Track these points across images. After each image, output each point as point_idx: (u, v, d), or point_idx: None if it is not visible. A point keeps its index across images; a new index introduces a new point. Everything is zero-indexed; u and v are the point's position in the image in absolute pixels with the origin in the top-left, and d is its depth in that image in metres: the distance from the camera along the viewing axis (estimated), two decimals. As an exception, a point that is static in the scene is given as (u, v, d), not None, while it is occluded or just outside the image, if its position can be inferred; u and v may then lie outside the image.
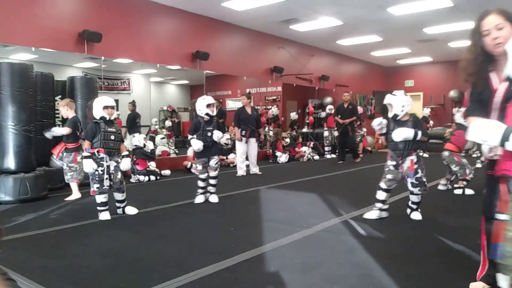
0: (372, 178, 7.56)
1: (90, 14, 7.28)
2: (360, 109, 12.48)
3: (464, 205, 5.00)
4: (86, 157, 4.27)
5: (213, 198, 5.22)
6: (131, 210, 4.56)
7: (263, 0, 8.18)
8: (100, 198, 4.32)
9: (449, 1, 8.18)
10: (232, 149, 9.14)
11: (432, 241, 3.51)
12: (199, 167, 5.14)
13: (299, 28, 10.50)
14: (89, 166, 4.23)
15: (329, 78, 13.22)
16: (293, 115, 12.66)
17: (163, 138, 9.58)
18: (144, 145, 7.51)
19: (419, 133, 3.93)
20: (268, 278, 2.69)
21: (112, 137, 4.38)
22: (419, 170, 4.03)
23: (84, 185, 5.54)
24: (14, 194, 5.20)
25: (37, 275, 2.75)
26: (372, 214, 4.25)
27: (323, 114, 12.69)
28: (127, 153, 4.57)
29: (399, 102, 4.03)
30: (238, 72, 10.74)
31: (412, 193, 4.16)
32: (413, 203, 4.22)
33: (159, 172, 7.55)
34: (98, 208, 4.34)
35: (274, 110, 11.97)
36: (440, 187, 5.93)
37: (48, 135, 5.45)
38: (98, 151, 4.30)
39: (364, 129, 12.97)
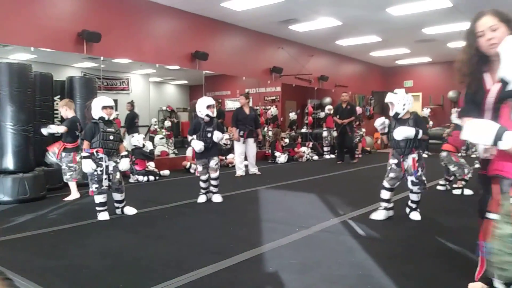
0: (371, 178, 7.58)
1: (89, 14, 7.28)
2: (358, 109, 12.49)
3: (463, 205, 5.01)
4: (85, 157, 4.27)
5: (217, 198, 5.23)
6: (130, 211, 4.56)
7: (262, 0, 8.18)
8: (99, 199, 4.31)
9: (448, 1, 8.19)
10: (231, 149, 9.14)
11: (431, 242, 3.51)
12: (200, 168, 5.14)
13: (298, 28, 10.50)
14: (88, 166, 4.22)
15: (328, 78, 13.23)
16: (292, 115, 12.66)
17: (162, 138, 9.58)
18: (143, 145, 7.50)
19: (420, 132, 3.94)
20: (267, 278, 2.69)
21: (111, 137, 4.37)
22: (419, 169, 4.04)
23: (83, 185, 5.53)
24: (13, 194, 5.19)
25: (36, 275, 2.74)
26: (379, 214, 4.24)
27: (322, 114, 12.70)
28: (126, 153, 4.56)
29: (401, 101, 4.03)
30: (237, 72, 10.74)
31: (411, 191, 4.17)
32: (412, 202, 4.23)
33: (158, 172, 7.55)
34: (97, 208, 4.33)
35: (273, 110, 11.97)
36: (439, 188, 5.94)
37: (44, 131, 5.45)
38: (97, 151, 4.29)
39: (363, 130, 12.98)
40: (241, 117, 7.82)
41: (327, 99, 13.56)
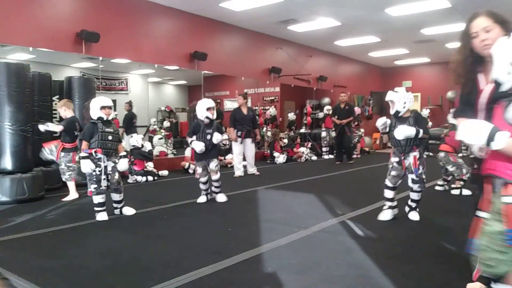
0: (369, 179, 7.59)
1: (88, 14, 7.27)
2: (357, 110, 12.50)
3: (461, 205, 5.02)
4: (83, 157, 4.26)
5: (221, 198, 5.26)
6: (128, 211, 4.55)
7: (261, 0, 8.18)
8: (98, 199, 4.31)
9: (447, 2, 8.20)
10: (229, 150, 9.14)
11: (430, 242, 3.51)
12: (199, 170, 5.14)
13: (297, 29, 10.51)
14: (86, 166, 4.22)
15: (327, 78, 13.24)
16: (291, 116, 12.67)
17: (161, 138, 9.57)
18: (142, 146, 7.50)
19: (421, 131, 3.96)
20: (266, 279, 2.69)
21: (110, 138, 4.37)
22: (420, 167, 4.05)
23: (81, 185, 5.53)
24: (11, 195, 5.18)
25: (34, 275, 2.74)
26: (385, 215, 4.24)
27: (321, 115, 12.70)
28: (124, 153, 4.56)
29: (401, 99, 4.03)
30: (236, 73, 10.75)
31: (412, 190, 4.17)
32: (412, 201, 4.23)
33: (156, 172, 7.54)
34: (96, 208, 4.33)
35: (272, 111, 11.97)
36: (437, 188, 5.95)
37: (41, 127, 5.44)
38: (95, 152, 4.29)
39: (362, 130, 12.99)
40: (238, 117, 7.81)
41: (326, 100, 13.57)
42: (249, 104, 8.55)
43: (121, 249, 3.36)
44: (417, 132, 3.92)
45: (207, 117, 5.07)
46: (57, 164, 5.64)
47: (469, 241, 1.95)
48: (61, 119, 5.68)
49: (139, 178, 7.12)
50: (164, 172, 7.84)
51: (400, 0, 8.25)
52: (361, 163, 10.18)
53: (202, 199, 5.22)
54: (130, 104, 9.22)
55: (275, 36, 11.39)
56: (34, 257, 3.18)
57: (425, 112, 13.43)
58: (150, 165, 7.60)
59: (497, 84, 1.73)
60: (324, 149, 11.80)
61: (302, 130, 12.99)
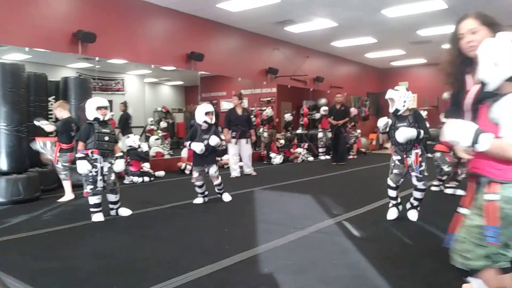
0: (366, 179, 7.61)
1: (84, 14, 7.25)
2: (353, 110, 12.52)
3: (456, 206, 5.02)
4: (80, 158, 4.24)
5: (226, 197, 5.32)
6: (124, 212, 4.54)
7: (258, 1, 8.18)
8: (93, 200, 4.29)
9: (443, 3, 8.23)
10: (226, 150, 9.13)
11: (426, 242, 3.52)
12: (195, 174, 5.13)
13: (294, 30, 10.51)
14: (83, 167, 4.20)
15: (323, 79, 13.25)
16: (288, 116, 12.68)
17: (158, 139, 9.55)
18: (139, 146, 7.48)
19: (422, 132, 3.98)
20: (262, 279, 2.69)
21: (106, 138, 4.36)
22: (423, 164, 4.06)
23: (77, 186, 5.51)
24: (6, 195, 5.15)
25: (29, 276, 2.73)
26: (391, 214, 4.26)
27: (317, 116, 12.71)
28: (121, 154, 4.54)
29: (401, 97, 4.04)
30: (233, 73, 10.74)
31: (416, 188, 4.17)
32: (415, 199, 4.23)
33: (153, 173, 7.53)
34: (91, 209, 4.31)
35: (268, 111, 11.96)
36: (433, 188, 5.96)
37: (36, 122, 5.43)
38: (92, 152, 4.27)
39: (358, 131, 13.01)
40: (233, 118, 7.80)
41: (323, 100, 13.58)
42: (245, 105, 8.54)
43: (117, 250, 3.35)
44: (418, 134, 3.95)
45: (205, 122, 5.06)
46: (53, 165, 5.62)
47: (448, 236, 1.98)
48: (57, 120, 5.66)
49: (135, 179, 7.10)
50: (161, 173, 7.83)
51: (397, 1, 8.27)
52: (358, 163, 10.19)
53: (198, 200, 5.22)
54: (125, 104, 9.18)
55: (272, 37, 11.39)
56: (29, 258, 3.16)
57: (423, 114, 13.47)
58: (146, 166, 7.58)
59: (483, 85, 1.75)
60: (320, 150, 11.80)
61: (299, 131, 12.99)
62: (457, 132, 1.65)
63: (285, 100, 12.97)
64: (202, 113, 5.07)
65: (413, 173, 4.10)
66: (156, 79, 11.19)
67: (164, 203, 5.20)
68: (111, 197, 4.45)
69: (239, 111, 7.85)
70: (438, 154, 5.71)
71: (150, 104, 10.84)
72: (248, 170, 8.04)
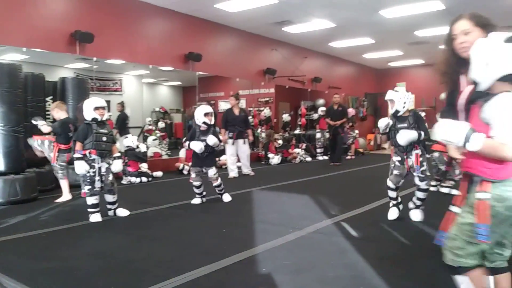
0: (364, 180, 7.62)
1: (82, 14, 7.24)
2: (351, 111, 12.53)
3: (454, 206, 5.03)
4: (77, 158, 4.23)
5: (226, 198, 5.33)
6: (122, 212, 4.53)
7: (256, 1, 8.19)
8: (91, 200, 4.28)
9: (441, 4, 8.26)
10: (224, 151, 9.12)
11: (424, 242, 3.52)
12: (193, 175, 5.13)
13: (292, 30, 10.52)
14: (81, 167, 4.19)
15: (321, 80, 13.27)
16: (286, 117, 12.68)
17: (156, 139, 9.53)
18: (137, 147, 7.47)
19: (422, 133, 4.00)
20: (260, 280, 2.69)
21: (104, 139, 4.35)
22: (424, 164, 4.07)
23: (74, 186, 5.50)
24: (4, 196, 5.14)
25: (27, 277, 2.72)
26: (392, 214, 4.26)
27: (315, 116, 12.73)
28: (118, 154, 4.54)
29: (401, 98, 4.06)
30: (231, 74, 10.74)
31: (419, 188, 4.17)
32: (418, 199, 4.22)
33: (150, 173, 7.52)
34: (89, 210, 4.30)
35: (266, 112, 11.97)
36: (431, 189, 5.96)
37: (34, 121, 5.42)
38: (89, 153, 4.26)
39: (356, 131, 13.02)
40: (230, 118, 7.80)
41: (320, 101, 13.59)
42: (243, 105, 8.53)
43: (115, 251, 3.34)
44: (419, 136, 3.97)
45: (204, 122, 5.06)
46: (50, 165, 5.61)
47: (439, 233, 1.99)
48: (54, 121, 5.65)
49: (133, 179, 7.09)
50: (158, 173, 7.82)
51: (394, 2, 8.29)
52: (356, 164, 10.21)
53: (196, 201, 5.21)
54: (122, 104, 9.14)
55: (270, 37, 11.40)
56: (27, 258, 3.15)
57: (422, 115, 13.51)
58: (144, 166, 7.57)
59: (476, 85, 1.77)
60: (318, 150, 11.82)
61: (297, 131, 13.00)
62: (449, 131, 1.66)
63: (283, 100, 12.98)
64: (202, 114, 5.06)
65: (415, 174, 4.11)
66: (154, 79, 11.19)
67: (162, 204, 5.20)
68: (109, 198, 4.44)
69: (236, 111, 7.85)
70: (436, 154, 5.72)
71: (148, 104, 10.83)
72: (246, 170, 8.04)
